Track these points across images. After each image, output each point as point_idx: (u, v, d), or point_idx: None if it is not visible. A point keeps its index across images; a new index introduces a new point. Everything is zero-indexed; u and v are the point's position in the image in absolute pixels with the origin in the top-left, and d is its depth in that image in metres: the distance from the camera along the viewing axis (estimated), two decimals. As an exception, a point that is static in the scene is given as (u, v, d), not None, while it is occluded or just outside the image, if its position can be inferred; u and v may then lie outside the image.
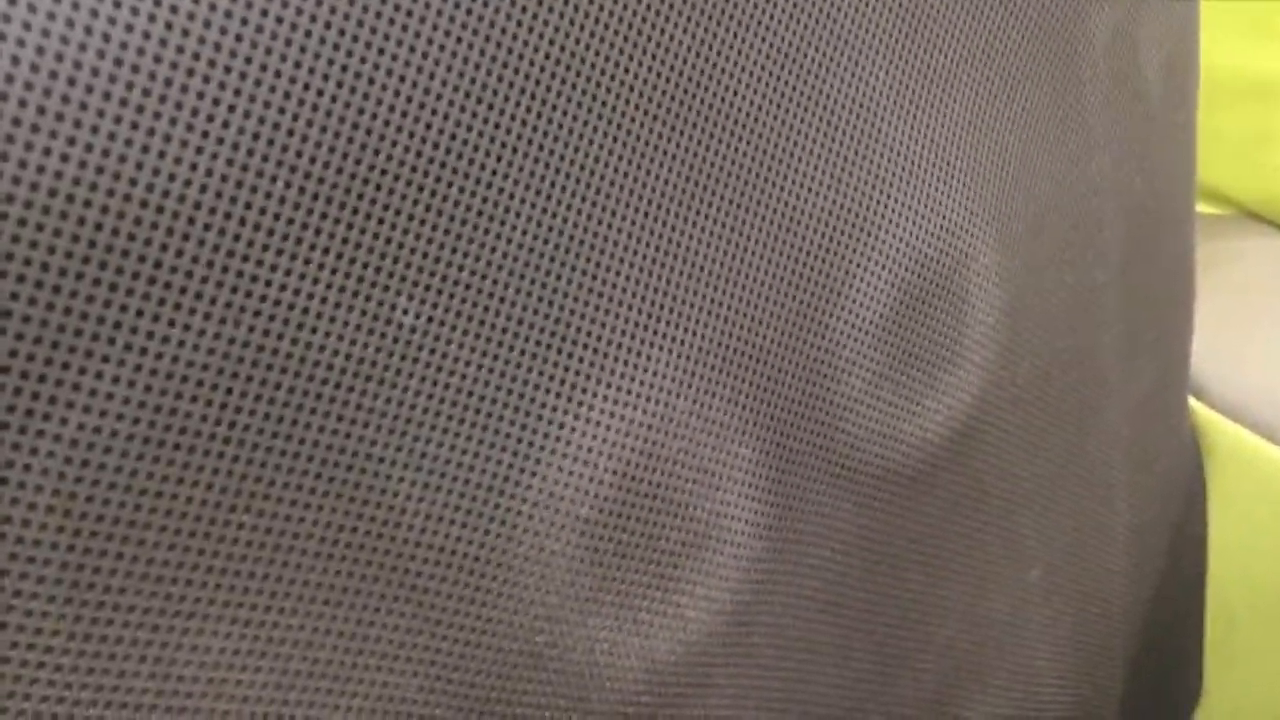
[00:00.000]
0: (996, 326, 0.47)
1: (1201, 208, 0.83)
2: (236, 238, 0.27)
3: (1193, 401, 0.67)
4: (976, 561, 0.50)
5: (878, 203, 0.40)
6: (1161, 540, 0.64)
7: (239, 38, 0.26)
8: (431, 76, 0.29)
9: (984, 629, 0.51)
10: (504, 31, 0.30)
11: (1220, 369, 0.68)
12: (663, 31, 0.33)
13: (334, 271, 0.28)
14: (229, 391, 0.28)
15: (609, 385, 0.34)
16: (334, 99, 0.27)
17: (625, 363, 0.34)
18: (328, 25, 0.27)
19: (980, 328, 0.46)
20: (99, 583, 0.26)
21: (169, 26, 0.25)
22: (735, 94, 0.35)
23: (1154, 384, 0.59)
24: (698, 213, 0.35)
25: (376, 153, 0.28)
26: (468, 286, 0.31)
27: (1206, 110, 0.60)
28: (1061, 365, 0.51)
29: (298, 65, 0.27)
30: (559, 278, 0.32)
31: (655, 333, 0.35)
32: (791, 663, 0.42)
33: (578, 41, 0.31)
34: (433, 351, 0.30)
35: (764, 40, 0.35)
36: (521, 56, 0.30)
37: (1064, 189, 0.49)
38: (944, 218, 0.43)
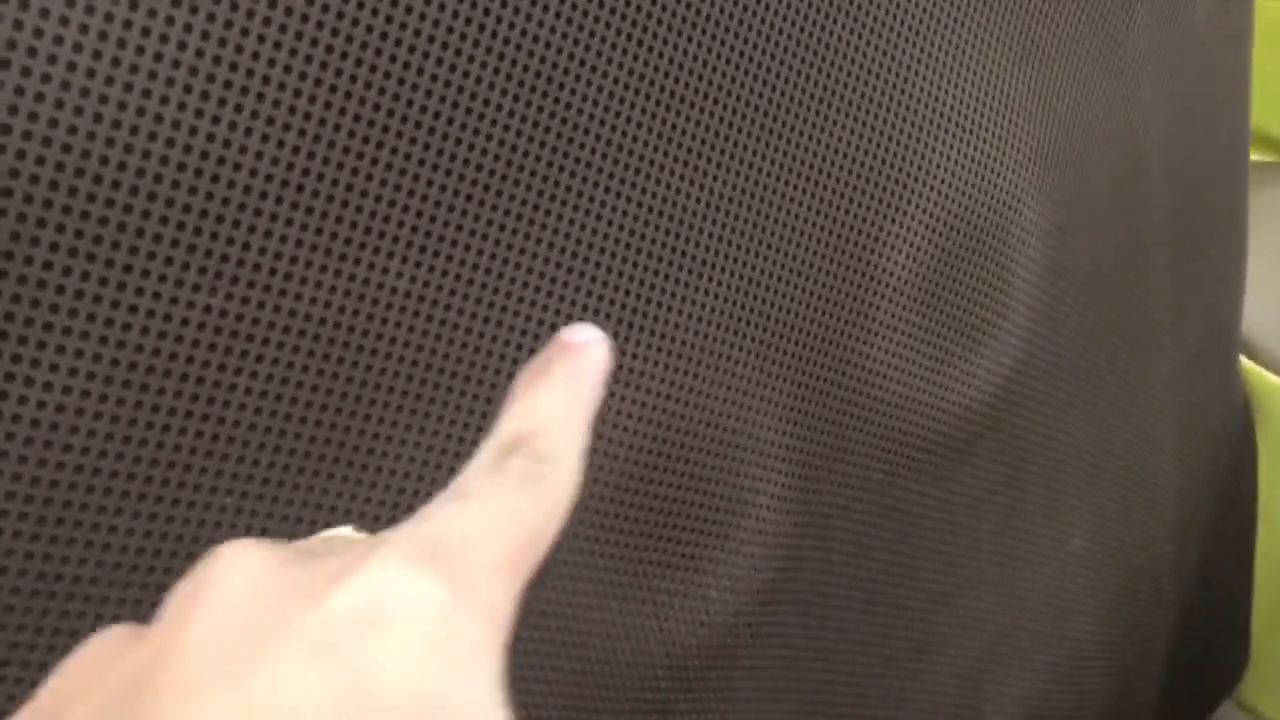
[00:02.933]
0: (1038, 284, 0.44)
1: (1255, 154, 0.79)
2: (210, 196, 0.24)
3: (1243, 360, 0.64)
4: (1016, 531, 0.47)
5: (912, 150, 0.37)
6: (1210, 505, 0.61)
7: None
8: (422, 18, 0.26)
9: (1024, 601, 0.49)
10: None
11: (1273, 326, 0.64)
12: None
13: (318, 233, 0.26)
14: (206, 365, 0.25)
15: (622, 352, 0.31)
16: (323, 45, 0.25)
17: (640, 328, 0.32)
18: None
19: (1022, 284, 0.43)
20: (68, 573, 0.24)
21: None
22: (758, 32, 0.32)
23: (1203, 342, 0.56)
24: (717, 165, 0.32)
25: (362, 102, 0.26)
26: (466, 247, 0.28)
27: (1261, 50, 0.57)
28: (1106, 324, 0.48)
29: (289, 11, 0.24)
30: (565, 236, 0.30)
31: (672, 295, 0.32)
32: (821, 642, 0.40)
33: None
34: (428, 318, 0.28)
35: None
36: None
37: (1107, 135, 0.46)
38: (983, 166, 0.40)
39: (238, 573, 0.16)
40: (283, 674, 0.15)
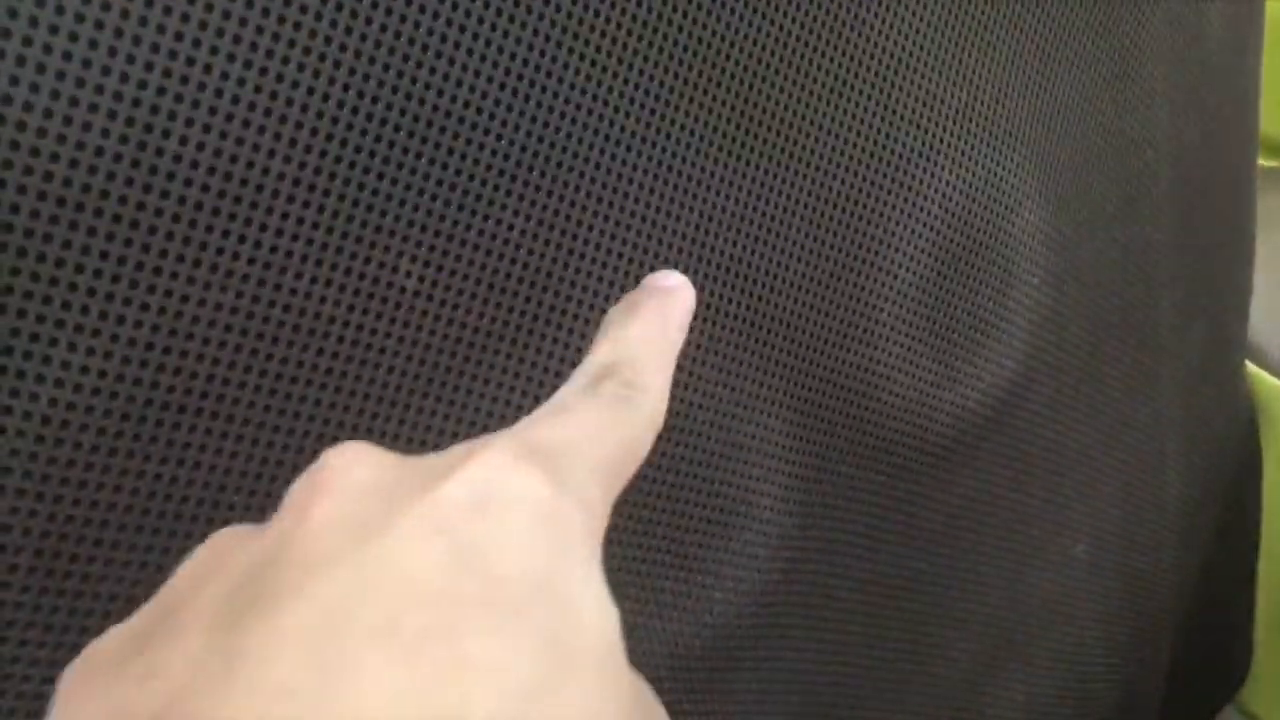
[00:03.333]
0: (1043, 289, 0.44)
1: (1262, 161, 0.79)
2: (222, 194, 0.25)
3: (1249, 365, 0.64)
4: (1019, 536, 0.47)
5: (916, 153, 0.37)
6: (1213, 510, 0.61)
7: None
8: (432, 15, 0.26)
9: (1027, 606, 0.49)
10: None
11: (1279, 331, 0.64)
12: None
13: (329, 231, 0.26)
14: (215, 362, 0.25)
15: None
16: (337, 43, 0.25)
17: (647, 329, 0.32)
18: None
19: (1026, 289, 0.43)
20: (76, 570, 0.24)
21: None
22: (766, 31, 0.32)
23: (1208, 348, 0.56)
24: (725, 165, 0.32)
25: (375, 101, 0.26)
26: (475, 247, 0.28)
27: (1270, 58, 0.57)
28: (1111, 330, 0.49)
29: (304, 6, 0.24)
30: (573, 236, 0.30)
31: (679, 297, 0.32)
32: (823, 644, 0.40)
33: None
34: (437, 318, 0.28)
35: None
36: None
37: (1114, 141, 0.46)
38: (987, 170, 0.40)
39: (358, 465, 0.18)
40: (400, 550, 0.16)
